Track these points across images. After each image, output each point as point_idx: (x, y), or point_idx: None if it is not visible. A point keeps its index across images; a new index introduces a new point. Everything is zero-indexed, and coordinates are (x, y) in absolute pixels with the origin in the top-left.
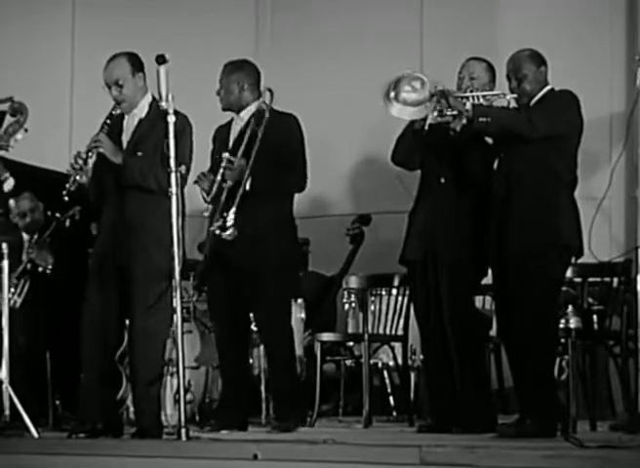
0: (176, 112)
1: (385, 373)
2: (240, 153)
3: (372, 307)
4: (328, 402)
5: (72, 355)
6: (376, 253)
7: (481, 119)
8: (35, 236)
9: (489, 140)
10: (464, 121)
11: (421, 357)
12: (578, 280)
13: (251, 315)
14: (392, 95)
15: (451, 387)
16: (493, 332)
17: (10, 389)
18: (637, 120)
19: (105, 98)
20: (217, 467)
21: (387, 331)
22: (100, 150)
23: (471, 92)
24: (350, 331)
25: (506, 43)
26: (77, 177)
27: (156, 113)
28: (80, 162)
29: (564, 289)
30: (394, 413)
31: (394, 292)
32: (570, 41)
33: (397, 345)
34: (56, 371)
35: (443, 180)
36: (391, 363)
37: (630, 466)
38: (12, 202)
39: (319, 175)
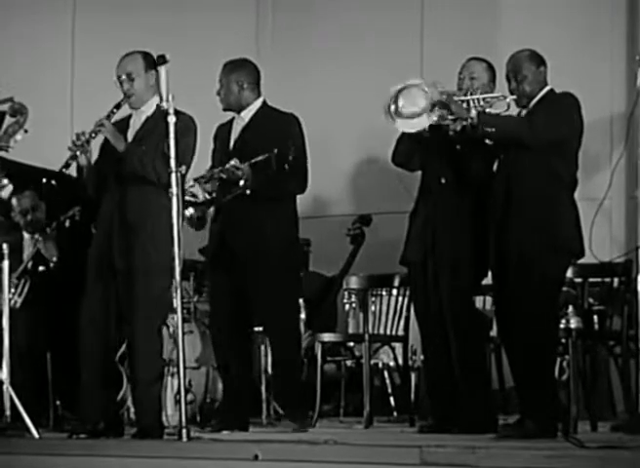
0: (181, 113)
1: (386, 374)
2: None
3: (372, 307)
4: (328, 402)
5: (73, 355)
6: (376, 254)
7: (486, 129)
8: (37, 235)
9: (489, 141)
10: (467, 123)
11: (422, 357)
12: (578, 280)
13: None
14: (393, 109)
15: (451, 387)
16: (493, 333)
17: (10, 390)
18: (637, 120)
19: (106, 99)
20: (217, 467)
21: (388, 332)
22: (104, 133)
23: (471, 94)
24: (351, 331)
25: (507, 43)
26: (77, 154)
27: (162, 113)
28: (82, 139)
29: (564, 289)
30: (395, 414)
31: (395, 292)
32: (570, 41)
33: (398, 345)
34: (56, 372)
35: (443, 181)
36: (392, 363)
37: (630, 466)
38: (14, 200)
39: (319, 175)
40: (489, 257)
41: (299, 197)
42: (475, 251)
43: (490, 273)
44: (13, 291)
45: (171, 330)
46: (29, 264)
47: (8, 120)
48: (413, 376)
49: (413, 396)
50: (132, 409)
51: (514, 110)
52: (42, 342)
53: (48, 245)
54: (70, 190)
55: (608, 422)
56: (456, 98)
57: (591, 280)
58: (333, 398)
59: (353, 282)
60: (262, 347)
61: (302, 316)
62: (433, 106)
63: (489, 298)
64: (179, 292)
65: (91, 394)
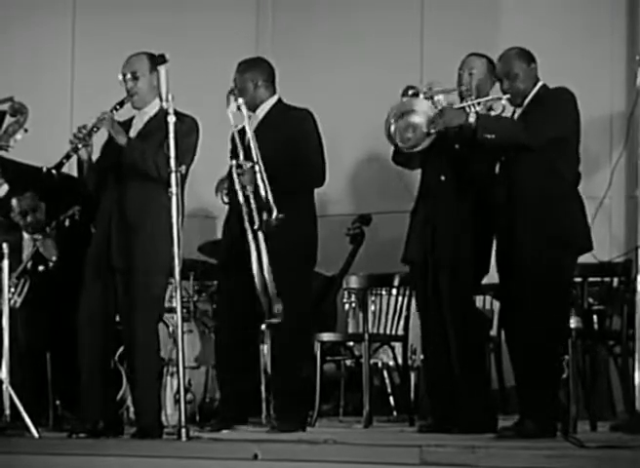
0: (185, 115)
1: (386, 373)
2: (253, 156)
3: (372, 307)
4: (328, 402)
5: (72, 355)
6: (376, 253)
7: (485, 135)
8: (36, 235)
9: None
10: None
11: (422, 357)
12: (578, 280)
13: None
14: (393, 142)
15: (451, 387)
16: (493, 332)
17: (10, 389)
18: (637, 120)
19: (106, 99)
20: (217, 467)
21: (388, 331)
22: (106, 126)
23: (469, 96)
24: (350, 330)
25: (506, 43)
26: (79, 146)
27: (165, 114)
28: (84, 131)
29: None
30: (394, 413)
31: (394, 291)
32: (570, 41)
33: (397, 345)
34: (56, 371)
35: (443, 178)
36: (391, 363)
37: (630, 466)
38: (14, 201)
39: None
40: (489, 257)
41: None
42: (475, 250)
43: (489, 273)
44: (12, 290)
45: (170, 329)
46: (29, 264)
47: (8, 119)
48: (412, 376)
49: (412, 395)
50: (131, 409)
51: (510, 110)
52: (42, 342)
53: (47, 244)
54: (70, 186)
55: (607, 422)
56: (455, 106)
57: (591, 279)
58: (332, 397)
59: (353, 281)
60: (262, 347)
61: None
62: (429, 135)
63: (489, 298)
64: (178, 291)
65: (90, 393)
